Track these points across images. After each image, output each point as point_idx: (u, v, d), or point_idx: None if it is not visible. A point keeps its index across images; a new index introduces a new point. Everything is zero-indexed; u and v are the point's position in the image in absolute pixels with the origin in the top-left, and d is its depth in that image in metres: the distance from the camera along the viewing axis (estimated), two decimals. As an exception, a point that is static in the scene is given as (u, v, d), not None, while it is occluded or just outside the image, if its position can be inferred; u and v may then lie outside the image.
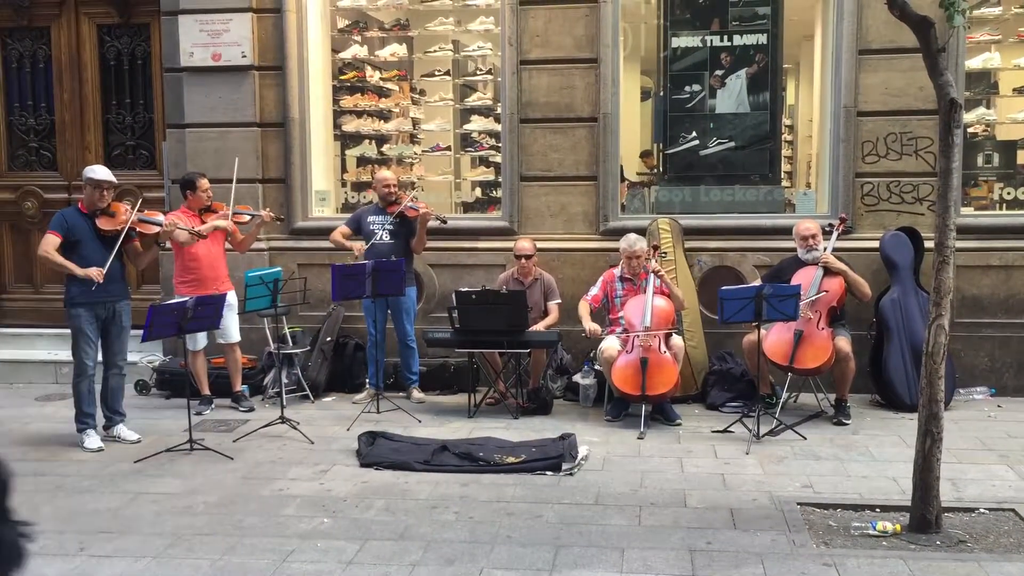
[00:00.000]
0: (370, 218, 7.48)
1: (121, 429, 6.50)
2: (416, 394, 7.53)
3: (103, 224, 6.27)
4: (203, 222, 7.13)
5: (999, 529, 4.67)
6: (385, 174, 7.65)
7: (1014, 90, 8.23)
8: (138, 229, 6.44)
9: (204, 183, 7.22)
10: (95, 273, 6.13)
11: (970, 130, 7.89)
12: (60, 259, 6.18)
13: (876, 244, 7.40)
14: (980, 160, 8.01)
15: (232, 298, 7.11)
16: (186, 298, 6.39)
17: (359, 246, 7.38)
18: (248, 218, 7.30)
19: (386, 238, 7.37)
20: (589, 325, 6.90)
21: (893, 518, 4.70)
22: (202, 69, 8.18)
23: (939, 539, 4.50)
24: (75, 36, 8.81)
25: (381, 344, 7.38)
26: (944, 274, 4.56)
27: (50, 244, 6.18)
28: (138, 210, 6.48)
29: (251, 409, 7.20)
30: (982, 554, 4.36)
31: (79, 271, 6.15)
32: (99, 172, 6.37)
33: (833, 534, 4.63)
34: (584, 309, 7.05)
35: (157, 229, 6.57)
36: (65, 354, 6.96)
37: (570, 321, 7.47)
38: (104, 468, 5.88)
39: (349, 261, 7.32)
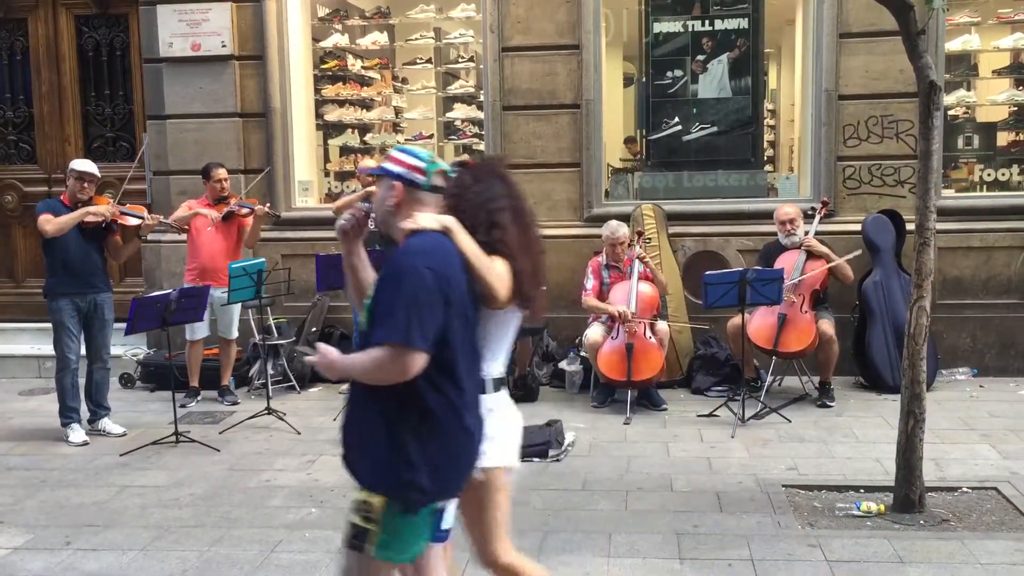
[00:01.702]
0: (359, 206, 7.43)
1: (106, 423, 6.47)
2: None
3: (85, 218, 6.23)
4: (221, 212, 7.09)
5: (982, 508, 4.72)
6: (368, 163, 7.62)
7: (994, 72, 8.27)
8: (119, 222, 6.39)
9: (219, 173, 7.17)
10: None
11: (950, 112, 7.92)
12: (70, 215, 6.13)
13: (858, 227, 7.43)
14: (960, 142, 8.06)
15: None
16: (169, 290, 6.35)
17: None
18: (134, 221, 7.09)
19: (371, 226, 7.31)
20: (615, 308, 6.79)
21: (877, 498, 4.73)
22: (182, 59, 8.12)
23: (923, 518, 4.54)
24: (53, 27, 8.72)
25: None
26: (925, 256, 4.59)
27: (51, 218, 6.13)
28: (119, 203, 6.44)
29: (236, 402, 7.18)
30: (965, 532, 4.40)
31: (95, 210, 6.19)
32: (81, 164, 6.35)
33: (818, 515, 4.66)
34: (593, 300, 6.93)
35: (137, 222, 6.53)
36: (48, 348, 6.92)
37: (554, 308, 7.47)
38: (89, 462, 5.86)
39: (333, 251, 7.29)
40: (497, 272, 2.81)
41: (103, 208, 6.25)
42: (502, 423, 2.96)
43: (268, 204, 7.43)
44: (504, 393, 3.03)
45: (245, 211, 7.18)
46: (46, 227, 6.10)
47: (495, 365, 2.98)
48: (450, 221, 2.71)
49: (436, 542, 2.88)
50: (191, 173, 7.34)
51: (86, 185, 6.24)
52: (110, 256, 6.55)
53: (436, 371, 2.57)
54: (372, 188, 7.15)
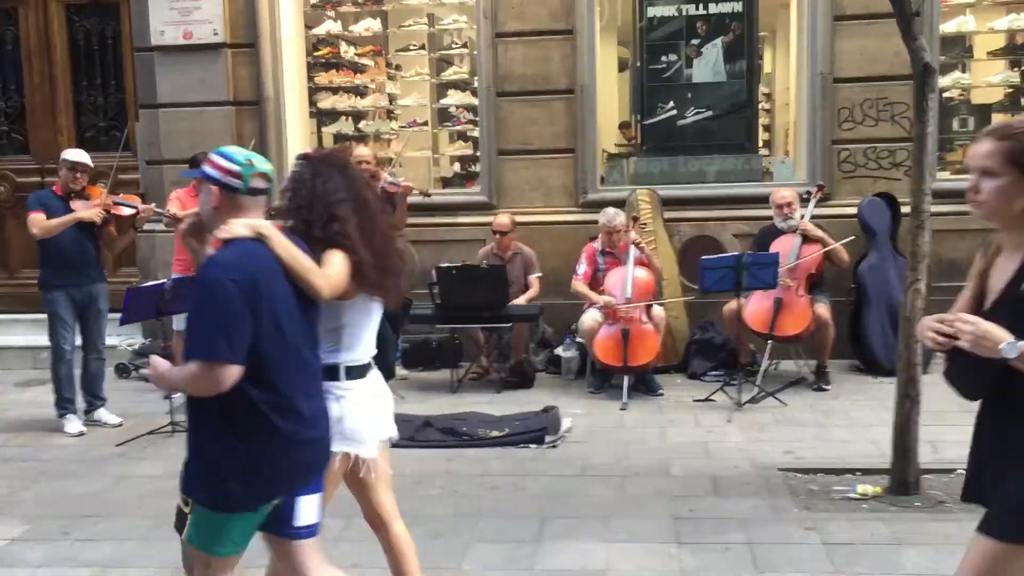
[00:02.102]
0: None
1: (102, 413, 6.47)
2: (399, 371, 7.52)
3: (78, 208, 6.21)
4: None
5: (977, 489, 4.73)
6: (362, 151, 7.58)
7: (988, 54, 8.25)
8: (112, 212, 6.37)
9: None
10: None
11: (945, 95, 7.91)
12: (60, 219, 6.10)
13: (854, 210, 7.43)
14: (956, 124, 8.05)
15: None
16: (163, 280, 6.34)
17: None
18: (128, 211, 7.01)
19: None
20: (601, 297, 6.83)
21: (874, 481, 4.75)
22: (173, 48, 8.07)
23: (919, 500, 4.56)
24: (43, 17, 8.66)
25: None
26: (921, 239, 4.59)
27: (40, 220, 6.11)
28: (110, 192, 6.41)
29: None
30: (961, 514, 4.40)
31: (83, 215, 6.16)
32: (73, 154, 6.32)
33: (815, 498, 4.68)
34: (583, 286, 6.98)
35: (132, 212, 6.50)
36: (43, 339, 6.90)
37: (551, 294, 7.47)
38: (86, 452, 5.86)
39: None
40: (323, 270, 2.83)
41: (92, 212, 6.17)
42: (356, 409, 3.03)
43: (154, 204, 7.36)
44: (368, 380, 3.10)
45: (126, 211, 7.08)
46: (33, 230, 6.10)
47: (351, 354, 3.04)
48: (263, 226, 2.71)
49: (301, 538, 2.88)
50: (184, 162, 7.27)
51: (78, 175, 6.22)
52: (105, 247, 6.53)
53: (249, 377, 2.60)
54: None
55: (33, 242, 6.42)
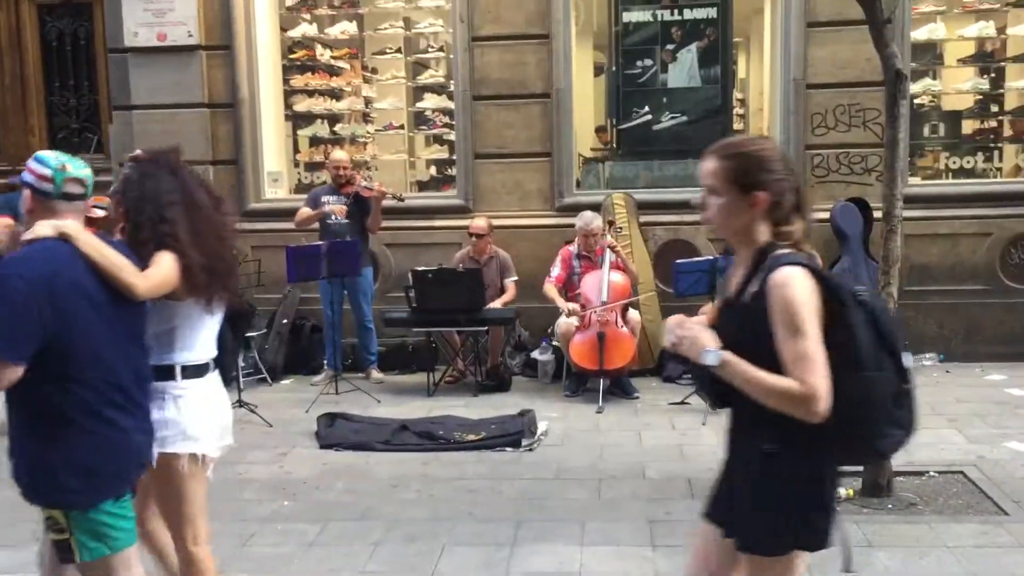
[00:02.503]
0: (324, 198, 7.40)
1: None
2: (375, 374, 7.50)
3: None
4: None
5: (948, 491, 4.78)
6: (338, 155, 7.57)
7: (959, 60, 8.36)
8: (86, 215, 6.29)
9: None
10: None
11: (916, 101, 8.00)
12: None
13: (827, 215, 7.49)
14: (927, 130, 8.14)
15: None
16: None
17: (340, 208, 7.25)
18: (101, 213, 7.00)
19: (341, 218, 7.31)
20: (567, 305, 6.88)
21: (846, 483, 4.77)
22: (147, 49, 8.01)
23: (891, 502, 4.60)
24: (15, 17, 8.58)
25: (338, 325, 7.33)
26: (892, 243, 4.64)
27: (7, 224, 6.02)
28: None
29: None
30: (932, 516, 4.46)
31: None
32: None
33: (788, 501, 4.70)
34: (553, 291, 7.03)
35: (103, 214, 6.42)
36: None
37: (527, 298, 7.47)
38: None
39: (304, 243, 7.26)
40: (147, 270, 2.84)
41: (49, 224, 6.10)
42: (192, 409, 3.04)
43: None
44: (206, 380, 3.10)
45: (101, 213, 7.04)
46: None
47: (188, 354, 3.05)
48: (68, 226, 2.72)
49: None
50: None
51: None
52: None
53: (59, 376, 2.60)
54: (333, 208, 7.19)
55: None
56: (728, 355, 2.22)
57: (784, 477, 2.24)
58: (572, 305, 6.85)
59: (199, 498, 3.10)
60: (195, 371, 3.06)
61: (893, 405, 2.23)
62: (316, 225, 7.40)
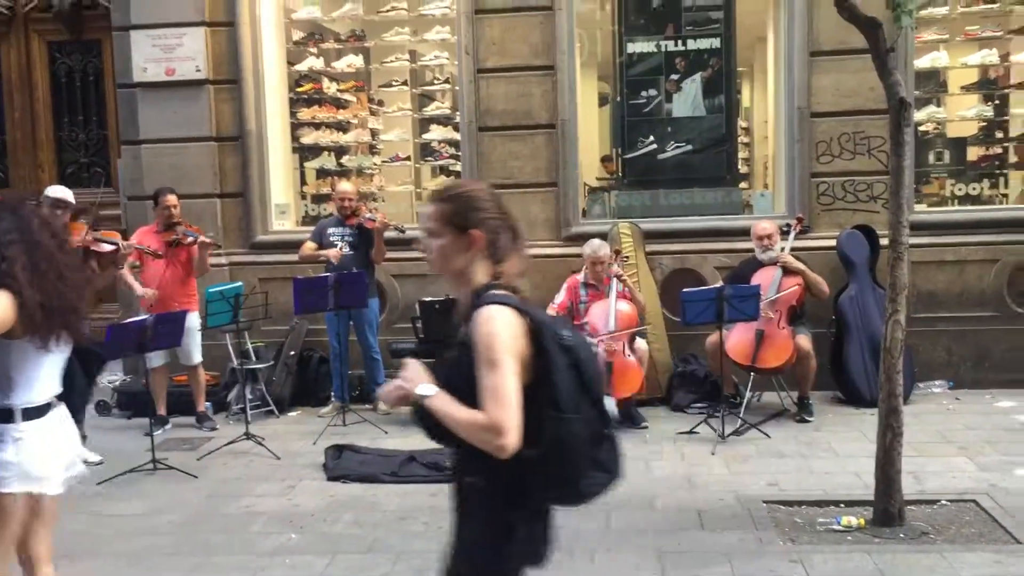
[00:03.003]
0: (330, 230, 7.44)
1: (82, 450, 6.38)
2: (382, 406, 7.48)
3: None
4: (167, 240, 7.02)
5: (961, 520, 4.75)
6: (344, 187, 7.62)
7: (962, 88, 8.39)
8: (92, 248, 6.34)
9: (169, 199, 7.07)
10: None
11: (921, 128, 8.03)
12: None
13: (833, 243, 7.50)
14: (932, 157, 8.16)
15: (194, 320, 6.98)
16: (145, 316, 6.31)
17: (335, 252, 7.30)
18: (108, 248, 7.06)
19: (346, 250, 7.34)
20: None
21: (857, 512, 4.76)
22: (156, 84, 8.09)
23: (903, 532, 4.56)
24: (25, 54, 8.69)
25: (345, 357, 7.34)
26: (899, 270, 4.64)
27: None
28: (93, 229, 6.38)
29: (214, 428, 7.12)
30: (945, 545, 4.43)
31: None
32: (55, 191, 6.32)
33: (799, 530, 4.68)
34: None
35: (112, 249, 6.46)
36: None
37: (534, 328, 7.45)
38: (65, 490, 5.77)
39: (311, 274, 7.28)
40: None
41: None
42: (33, 450, 3.11)
43: (211, 235, 7.33)
44: (46, 419, 3.17)
45: (189, 240, 7.10)
46: None
47: (26, 395, 3.12)
48: None
49: None
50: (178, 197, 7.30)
51: (59, 212, 6.20)
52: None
53: None
54: (331, 252, 7.24)
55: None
56: (435, 391, 2.33)
57: (480, 509, 2.39)
58: None
59: (8, 538, 3.17)
60: (35, 412, 3.13)
61: (593, 448, 2.33)
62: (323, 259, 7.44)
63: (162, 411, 7.20)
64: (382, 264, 7.60)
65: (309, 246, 7.46)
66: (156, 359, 7.03)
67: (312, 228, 7.75)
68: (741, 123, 9.85)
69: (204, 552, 4.69)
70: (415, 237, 7.90)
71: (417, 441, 6.53)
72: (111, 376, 8.03)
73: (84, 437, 6.37)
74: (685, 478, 5.58)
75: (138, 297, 7.01)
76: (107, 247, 6.47)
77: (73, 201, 6.35)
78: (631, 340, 6.84)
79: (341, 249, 7.32)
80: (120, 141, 8.42)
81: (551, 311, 7.03)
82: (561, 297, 7.09)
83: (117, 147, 8.50)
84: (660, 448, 6.24)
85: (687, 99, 8.08)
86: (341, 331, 7.25)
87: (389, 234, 7.35)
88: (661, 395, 7.43)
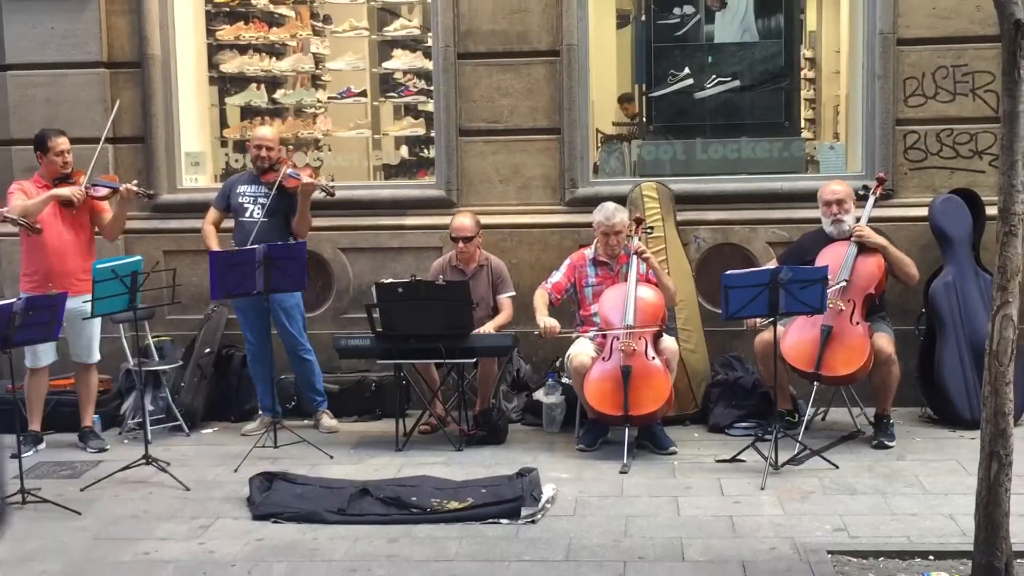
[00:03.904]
0: (240, 188, 7.40)
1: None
2: (327, 421, 7.50)
3: None
4: (59, 197, 7.00)
5: (1086, 578, 4.78)
6: (262, 132, 7.58)
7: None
8: None
9: (59, 142, 7.05)
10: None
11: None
12: None
13: (924, 212, 7.50)
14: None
15: (84, 304, 6.95)
16: (12, 300, 6.28)
17: (72, 191, 7.06)
18: (105, 191, 7.12)
19: (258, 214, 7.29)
20: (545, 320, 6.89)
21: (951, 567, 4.78)
22: (26, -10, 8.06)
23: (1010, 592, 4.58)
24: None
25: (266, 356, 7.33)
26: (1012, 249, 4.64)
27: None
28: None
29: (103, 449, 7.12)
30: (1065, 610, 4.46)
31: None
32: None
33: (875, 590, 4.70)
34: (541, 299, 7.04)
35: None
36: None
37: (527, 320, 7.47)
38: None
39: (232, 245, 7.26)
40: None
41: None
42: None
43: (136, 181, 7.33)
44: None
45: (103, 192, 7.08)
46: None
47: None
48: None
49: None
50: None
51: None
52: None
53: None
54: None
55: None
56: None
57: None
58: (549, 320, 6.85)
59: None
60: None
61: None
62: (230, 223, 7.42)
63: (36, 426, 7.18)
64: (305, 236, 7.51)
65: (212, 218, 7.45)
66: (45, 356, 7.00)
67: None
68: (805, 52, 9.84)
69: (89, 613, 4.69)
70: (381, 199, 7.98)
71: (372, 468, 6.56)
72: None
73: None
74: (726, 520, 5.59)
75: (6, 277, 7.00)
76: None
77: None
78: (656, 338, 6.85)
79: (241, 218, 7.32)
80: (-21, 66, 8.38)
81: (543, 293, 7.03)
82: (559, 276, 7.08)
83: (-25, 74, 8.46)
84: (693, 481, 6.26)
85: (734, 19, 8.07)
86: (257, 322, 7.25)
87: (316, 196, 7.31)
88: (695, 411, 7.46)
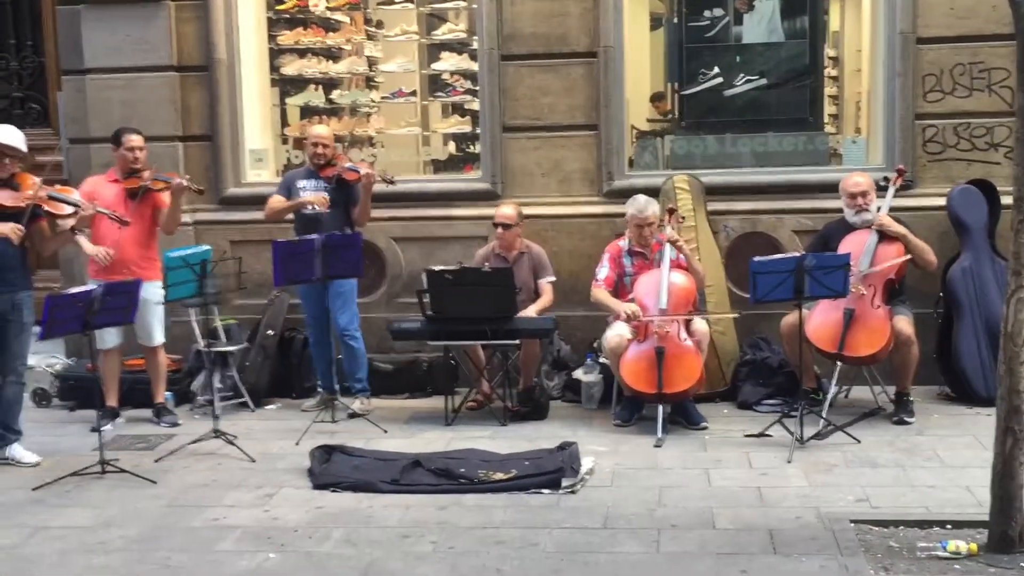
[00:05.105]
0: (300, 183, 7.41)
1: (16, 450, 6.48)
2: (356, 405, 7.38)
3: (3, 199, 6.20)
4: (127, 189, 7.06)
5: (1096, 546, 4.72)
6: (318, 130, 7.58)
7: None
8: (46, 208, 6.35)
9: (132, 139, 7.12)
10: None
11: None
12: None
13: (942, 201, 7.44)
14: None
15: (155, 291, 7.01)
16: (92, 285, 6.35)
17: (319, 198, 7.22)
18: (162, 184, 7.13)
19: (322, 209, 7.31)
20: (625, 306, 6.83)
21: (968, 536, 4.73)
22: (104, 1, 8.11)
23: (1024, 560, 4.54)
24: (-58, -35, 8.73)
25: (326, 338, 7.37)
26: (1026, 236, 4.59)
27: None
28: (45, 183, 6.37)
29: (176, 423, 7.19)
30: (1076, 577, 4.41)
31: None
32: (4, 135, 6.25)
33: (895, 557, 4.66)
34: (603, 294, 7.00)
35: (70, 210, 6.47)
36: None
37: (566, 304, 7.47)
38: (-5, 498, 5.88)
39: (293, 237, 7.30)
40: None
41: (9, 227, 6.13)
42: None
43: (187, 176, 7.36)
44: None
45: (162, 185, 7.11)
46: None
47: None
48: None
49: None
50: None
51: (7, 161, 6.21)
52: (34, 247, 6.54)
53: None
54: (312, 198, 7.21)
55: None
56: None
57: None
58: (630, 306, 6.80)
59: None
60: None
61: None
62: (291, 217, 7.44)
63: (112, 402, 7.27)
64: (364, 225, 7.55)
65: (277, 199, 7.45)
66: (110, 338, 7.09)
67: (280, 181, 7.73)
68: (829, 51, 9.76)
69: (163, 574, 4.74)
70: (430, 192, 7.99)
71: (423, 442, 6.58)
72: (50, 359, 8.11)
73: (18, 433, 6.51)
74: (754, 491, 5.58)
75: (85, 261, 7.06)
76: (65, 208, 6.45)
77: (23, 148, 6.31)
78: (687, 321, 6.82)
79: (303, 211, 7.32)
80: (60, 71, 8.45)
81: (600, 289, 7.01)
82: (606, 271, 7.06)
83: (57, 78, 8.54)
84: (723, 454, 6.24)
85: (761, 20, 8.01)
86: (320, 307, 7.27)
87: (378, 187, 7.33)
88: (725, 388, 7.44)
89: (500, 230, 7.29)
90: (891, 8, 7.69)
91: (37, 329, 6.20)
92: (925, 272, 7.09)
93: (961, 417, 6.85)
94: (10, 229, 6.13)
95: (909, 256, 6.82)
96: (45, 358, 8.04)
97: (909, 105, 7.66)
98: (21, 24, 8.78)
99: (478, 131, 8.33)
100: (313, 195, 7.27)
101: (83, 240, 6.90)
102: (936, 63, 7.63)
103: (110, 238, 6.96)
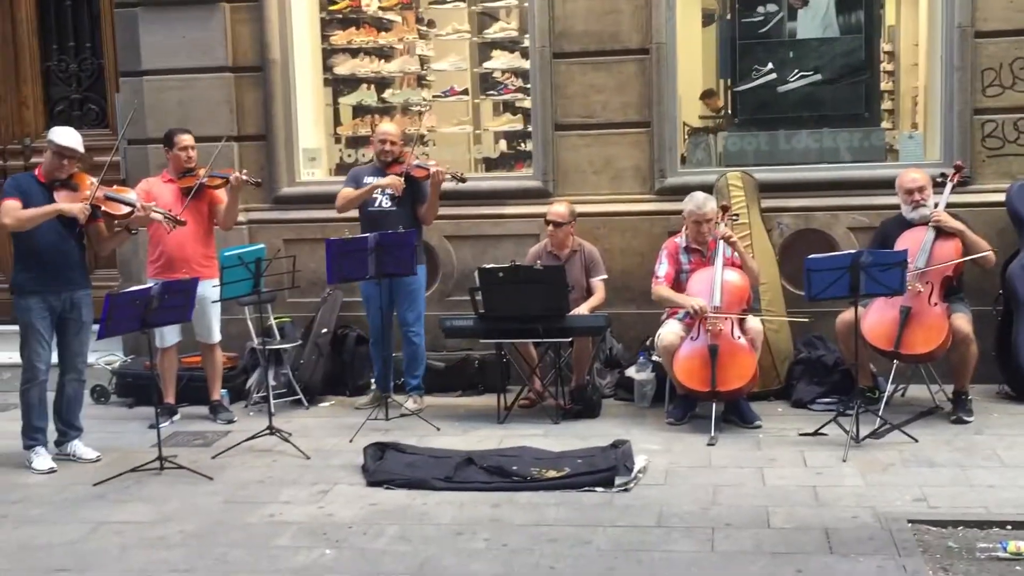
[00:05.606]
0: (367, 180, 7.46)
1: (77, 446, 6.59)
2: (409, 404, 7.39)
3: (62, 199, 6.31)
4: (182, 188, 7.15)
5: None
6: (386, 128, 7.63)
7: None
8: (103, 208, 6.45)
9: (183, 139, 7.22)
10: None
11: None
12: (37, 210, 6.19)
13: (1002, 197, 7.35)
14: None
15: (214, 289, 7.07)
16: (150, 284, 6.44)
17: (393, 181, 7.20)
18: (220, 180, 7.19)
19: (387, 204, 7.35)
20: (692, 300, 6.76)
21: (1018, 536, 4.68)
22: (161, 3, 8.22)
23: (1086, 562, 4.48)
24: (4, -31, 8.88)
25: (387, 336, 7.41)
26: (1088, 232, 4.52)
27: (14, 209, 6.20)
28: (102, 183, 6.47)
29: (232, 420, 7.28)
30: None
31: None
32: (62, 136, 6.34)
33: (954, 557, 4.62)
34: (667, 290, 6.94)
35: (127, 210, 6.56)
36: (12, 355, 7.05)
37: (619, 302, 7.45)
38: (57, 493, 5.97)
39: (347, 234, 7.35)
40: None
41: (77, 207, 6.23)
42: None
43: (244, 171, 7.45)
44: None
45: (218, 181, 7.17)
46: (4, 220, 6.20)
47: None
48: None
49: None
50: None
51: (66, 163, 6.31)
52: (91, 246, 6.65)
53: None
54: (387, 181, 7.24)
55: (5, 237, 6.54)
56: None
57: None
58: (698, 300, 6.75)
59: None
60: None
61: None
62: (355, 213, 7.48)
63: (170, 399, 7.37)
64: (431, 224, 7.62)
65: (348, 190, 7.43)
66: (169, 336, 7.18)
67: (345, 178, 7.76)
68: (885, 46, 9.65)
69: (221, 569, 4.80)
70: (482, 190, 8.02)
71: (476, 440, 6.61)
72: (109, 356, 8.24)
73: (79, 430, 6.62)
74: (809, 490, 5.54)
75: (143, 260, 7.13)
76: (122, 207, 6.55)
77: (81, 150, 6.40)
78: (741, 319, 6.79)
79: (369, 208, 7.35)
80: (118, 72, 8.57)
81: (659, 284, 6.98)
82: (665, 267, 7.03)
83: (115, 79, 8.66)
84: (777, 453, 6.20)
85: (816, 16, 7.96)
86: (383, 304, 7.29)
87: (447, 185, 7.36)
88: (779, 387, 7.39)
89: (552, 228, 7.30)
90: (949, 2, 7.60)
91: (96, 327, 6.30)
92: (984, 269, 7.00)
93: (1021, 416, 6.76)
94: (79, 209, 6.22)
95: (967, 258, 6.73)
96: (104, 356, 8.17)
97: (967, 100, 7.57)
98: (80, 27, 8.91)
99: (530, 129, 8.34)
100: (388, 179, 7.28)
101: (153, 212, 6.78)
102: (995, 57, 7.53)
103: (171, 236, 7.04)
